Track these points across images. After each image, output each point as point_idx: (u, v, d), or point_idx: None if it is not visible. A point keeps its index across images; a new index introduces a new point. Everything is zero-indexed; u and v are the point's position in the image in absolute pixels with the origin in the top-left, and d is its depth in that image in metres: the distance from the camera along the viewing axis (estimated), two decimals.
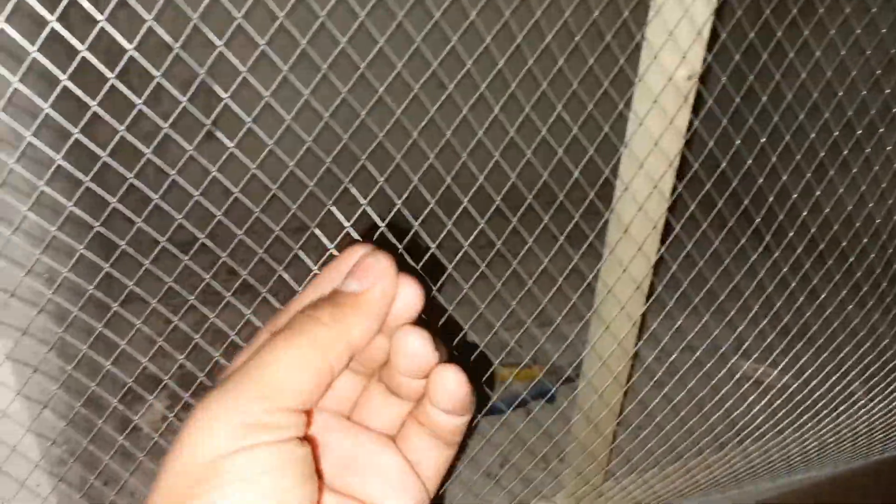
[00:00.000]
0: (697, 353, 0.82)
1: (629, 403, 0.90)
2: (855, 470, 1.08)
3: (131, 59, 0.43)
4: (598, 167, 0.69)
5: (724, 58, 0.67)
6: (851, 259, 0.85)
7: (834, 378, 0.90)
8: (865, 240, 0.87)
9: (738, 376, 1.06)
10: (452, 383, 0.23)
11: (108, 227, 0.49)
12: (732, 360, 1.07)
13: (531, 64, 0.58)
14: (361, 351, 0.23)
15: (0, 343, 0.60)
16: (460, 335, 0.76)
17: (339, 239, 0.52)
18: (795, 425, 0.97)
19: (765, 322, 0.85)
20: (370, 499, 0.23)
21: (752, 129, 0.72)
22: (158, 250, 0.54)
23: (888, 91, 0.80)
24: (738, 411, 1.00)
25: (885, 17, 1.16)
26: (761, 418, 0.95)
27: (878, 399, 0.99)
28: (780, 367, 0.97)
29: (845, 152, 0.78)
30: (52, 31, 0.40)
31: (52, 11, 0.40)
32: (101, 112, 0.44)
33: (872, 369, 0.99)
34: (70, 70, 0.42)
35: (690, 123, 0.69)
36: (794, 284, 0.82)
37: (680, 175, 0.71)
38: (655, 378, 0.94)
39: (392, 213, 0.56)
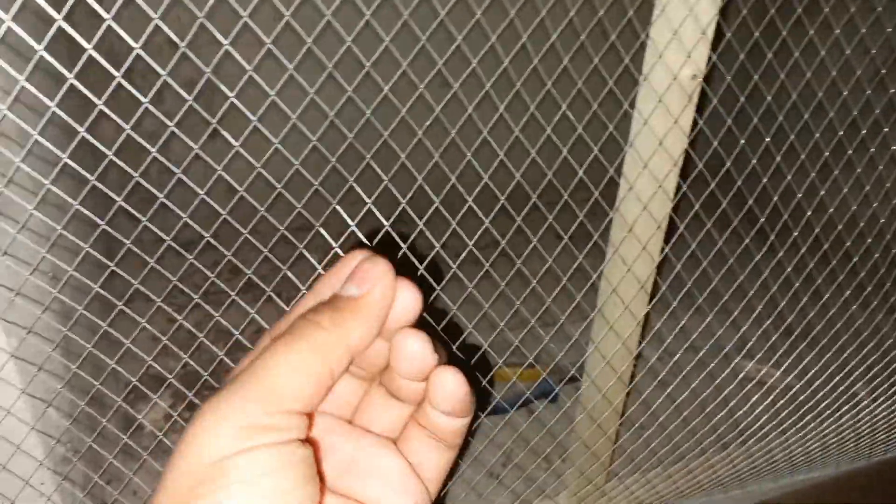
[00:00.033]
0: (701, 353, 0.82)
1: (632, 403, 0.90)
2: (857, 470, 1.08)
3: (134, 57, 0.43)
4: (602, 166, 0.69)
5: (728, 57, 0.67)
6: (855, 259, 0.85)
7: (837, 378, 0.90)
8: (870, 240, 0.87)
9: (741, 377, 1.06)
10: (451, 385, 0.23)
11: (112, 225, 0.49)
12: (736, 361, 1.07)
13: (536, 63, 0.57)
14: (361, 354, 0.23)
15: (5, 341, 0.60)
16: (462, 336, 0.76)
17: (343, 238, 0.52)
18: (798, 426, 0.97)
19: (768, 322, 0.85)
20: (372, 501, 0.23)
21: (756, 128, 0.72)
22: (163, 249, 0.54)
23: (893, 91, 0.80)
24: (741, 411, 1.00)
25: (890, 16, 1.15)
26: (764, 418, 0.95)
27: (881, 400, 0.99)
28: (783, 368, 0.97)
29: (850, 152, 0.78)
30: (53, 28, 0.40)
31: (57, 10, 0.40)
32: (107, 111, 0.44)
33: (876, 370, 0.99)
34: (76, 69, 0.42)
35: (695, 123, 0.69)
36: (797, 285, 0.82)
37: (684, 174, 0.71)
38: (659, 378, 0.94)
39: (397, 213, 0.56)
